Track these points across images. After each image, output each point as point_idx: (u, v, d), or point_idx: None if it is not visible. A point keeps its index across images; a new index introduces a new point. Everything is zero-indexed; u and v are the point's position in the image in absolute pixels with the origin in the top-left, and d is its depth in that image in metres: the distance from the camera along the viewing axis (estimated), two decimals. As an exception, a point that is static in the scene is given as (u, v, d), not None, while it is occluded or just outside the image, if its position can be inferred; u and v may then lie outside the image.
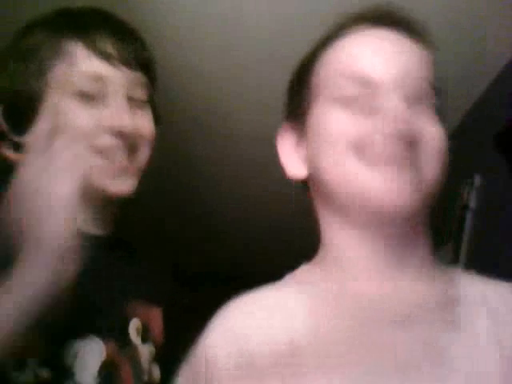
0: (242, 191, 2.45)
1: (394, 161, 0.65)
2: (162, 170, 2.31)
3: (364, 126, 0.67)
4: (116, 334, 0.86)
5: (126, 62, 0.89)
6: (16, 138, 0.86)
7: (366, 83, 0.68)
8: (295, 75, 0.79)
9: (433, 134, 0.68)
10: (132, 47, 0.90)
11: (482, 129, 1.75)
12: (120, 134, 0.86)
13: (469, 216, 1.66)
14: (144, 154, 0.91)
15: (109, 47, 0.88)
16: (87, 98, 0.86)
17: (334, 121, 0.69)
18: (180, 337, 0.98)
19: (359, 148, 0.66)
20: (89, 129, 0.85)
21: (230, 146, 2.16)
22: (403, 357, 0.63)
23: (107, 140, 0.86)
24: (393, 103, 0.66)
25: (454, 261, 1.62)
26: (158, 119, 0.96)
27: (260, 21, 1.54)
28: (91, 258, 0.79)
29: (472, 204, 1.66)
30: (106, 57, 0.87)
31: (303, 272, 0.75)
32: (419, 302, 0.67)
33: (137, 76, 0.91)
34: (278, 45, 1.62)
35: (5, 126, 0.88)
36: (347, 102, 0.68)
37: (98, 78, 0.87)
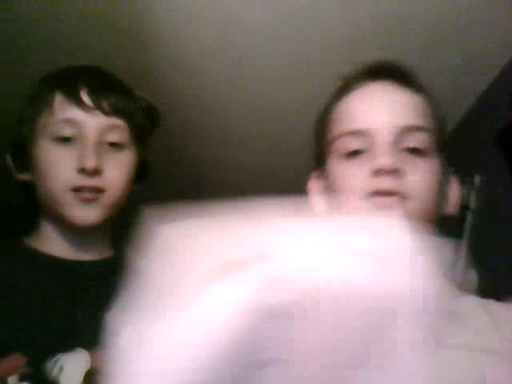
0: (242, 190, 2.45)
1: (389, 207, 0.77)
2: (161, 170, 2.31)
3: (367, 181, 0.78)
4: (104, 344, 0.92)
5: (100, 108, 0.98)
6: (18, 176, 1.04)
7: (367, 138, 0.79)
8: (316, 126, 0.89)
9: (420, 186, 0.78)
10: (107, 95, 1.00)
11: (482, 129, 1.75)
12: (85, 173, 0.96)
13: (469, 216, 1.66)
14: (111, 193, 0.99)
15: (83, 95, 0.99)
16: (65, 140, 0.98)
17: (344, 177, 0.81)
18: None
19: (367, 197, 0.78)
20: (63, 168, 0.97)
21: (228, 146, 2.16)
22: None
23: (75, 177, 0.96)
24: (386, 161, 0.77)
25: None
26: (146, 154, 1.07)
27: (260, 21, 1.54)
28: (72, 279, 0.97)
29: (472, 204, 1.66)
30: (79, 103, 0.98)
31: None
32: None
33: (111, 121, 0.99)
34: (277, 45, 1.63)
35: (12, 168, 1.05)
36: (353, 156, 0.80)
37: (72, 123, 0.98)
